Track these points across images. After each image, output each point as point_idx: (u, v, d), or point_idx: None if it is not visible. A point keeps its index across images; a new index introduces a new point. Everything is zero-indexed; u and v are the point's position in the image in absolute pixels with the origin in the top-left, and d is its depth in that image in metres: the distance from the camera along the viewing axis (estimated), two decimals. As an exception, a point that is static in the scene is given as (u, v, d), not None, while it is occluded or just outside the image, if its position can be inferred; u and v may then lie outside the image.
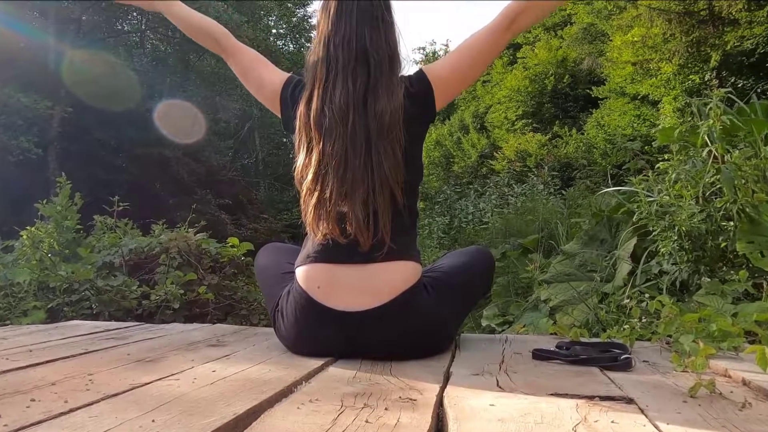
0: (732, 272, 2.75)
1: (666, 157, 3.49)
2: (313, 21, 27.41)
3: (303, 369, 1.68)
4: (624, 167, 8.31)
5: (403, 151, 1.88)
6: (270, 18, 28.85)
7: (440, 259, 2.37)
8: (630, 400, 1.35)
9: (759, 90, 8.93)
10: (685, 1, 10.56)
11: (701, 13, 10.77)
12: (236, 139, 27.78)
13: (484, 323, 4.59)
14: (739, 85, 10.60)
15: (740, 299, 2.65)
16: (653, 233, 3.27)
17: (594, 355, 1.85)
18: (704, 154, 3.21)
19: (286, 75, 2.14)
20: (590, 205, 6.07)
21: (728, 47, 10.65)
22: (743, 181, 2.97)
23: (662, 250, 3.18)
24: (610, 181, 6.08)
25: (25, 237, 4.33)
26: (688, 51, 11.49)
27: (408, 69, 2.04)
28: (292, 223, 23.10)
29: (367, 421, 1.15)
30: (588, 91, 18.36)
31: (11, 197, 13.26)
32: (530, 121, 20.65)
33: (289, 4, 28.99)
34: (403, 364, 1.79)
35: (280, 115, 2.12)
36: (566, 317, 3.56)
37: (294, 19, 29.30)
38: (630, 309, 2.44)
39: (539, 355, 1.92)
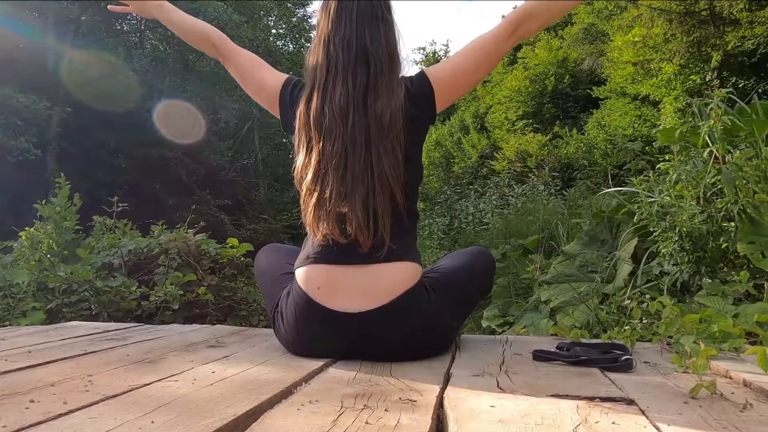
0: (733, 273, 2.74)
1: (667, 158, 3.49)
2: (313, 21, 27.51)
3: (303, 370, 1.68)
4: (625, 168, 8.30)
5: (403, 152, 1.88)
6: (269, 18, 28.88)
7: (440, 259, 2.37)
8: (631, 401, 1.34)
9: (760, 90, 8.93)
10: (685, 1, 10.55)
11: (702, 13, 10.76)
12: (236, 139, 27.77)
13: (484, 324, 4.58)
14: (740, 86, 10.60)
15: (741, 300, 2.65)
16: (654, 234, 3.27)
17: (594, 356, 1.85)
18: (705, 154, 3.20)
19: (284, 76, 2.14)
20: (591, 205, 6.06)
21: (729, 47, 10.64)
22: (744, 181, 2.97)
23: (663, 250, 3.18)
24: (610, 182, 6.08)
25: (24, 238, 4.33)
26: (688, 51, 11.48)
27: (408, 69, 2.05)
28: (292, 223, 23.13)
29: (367, 423, 1.15)
30: (588, 91, 18.35)
31: (10, 198, 13.28)
32: (531, 121, 20.65)
33: (288, 4, 29.02)
34: (404, 365, 1.79)
35: (279, 117, 2.11)
36: (567, 318, 3.55)
37: (294, 19, 29.33)
38: (631, 310, 2.44)
39: (540, 356, 1.92)
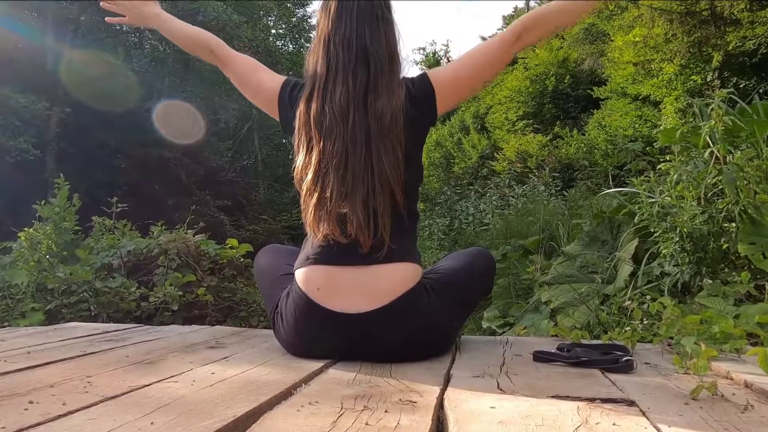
0: (734, 274, 2.74)
1: (667, 158, 3.49)
2: (313, 21, 27.51)
3: (302, 371, 1.68)
4: (625, 168, 8.30)
5: (403, 152, 1.88)
6: (269, 18, 28.87)
7: (441, 260, 2.37)
8: (631, 403, 1.34)
9: (761, 90, 8.89)
10: (686, 1, 10.54)
11: (703, 13, 10.74)
12: (235, 139, 27.75)
13: (484, 325, 4.58)
14: (741, 86, 10.57)
15: (742, 301, 2.64)
16: (655, 234, 3.26)
17: (595, 357, 1.85)
18: (706, 155, 3.20)
19: (283, 78, 2.15)
20: (591, 206, 6.05)
21: (730, 47, 10.62)
22: (745, 182, 2.96)
23: (664, 251, 3.18)
24: (611, 182, 6.08)
25: (23, 238, 4.32)
26: (689, 51, 11.46)
27: (408, 69, 2.05)
28: (292, 224, 23.11)
29: (367, 424, 1.15)
30: (589, 91, 18.31)
31: (9, 198, 13.26)
32: (531, 121, 20.61)
33: (288, 4, 29.01)
34: (404, 366, 1.79)
35: (278, 118, 2.11)
36: (567, 319, 3.55)
37: (293, 19, 29.31)
38: (631, 311, 2.44)
39: (540, 357, 1.91)
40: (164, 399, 1.32)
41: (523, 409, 1.28)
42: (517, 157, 18.15)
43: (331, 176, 1.85)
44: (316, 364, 1.79)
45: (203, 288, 4.18)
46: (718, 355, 1.77)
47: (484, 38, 32.63)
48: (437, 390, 1.46)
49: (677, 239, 3.08)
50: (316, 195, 1.86)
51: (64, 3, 18.77)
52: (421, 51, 39.88)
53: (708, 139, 3.18)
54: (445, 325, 2.05)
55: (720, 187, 3.06)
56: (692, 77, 12.13)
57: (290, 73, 2.20)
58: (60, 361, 1.84)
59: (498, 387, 1.51)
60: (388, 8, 2.05)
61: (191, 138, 20.20)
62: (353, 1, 1.98)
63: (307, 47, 2.10)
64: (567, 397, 1.38)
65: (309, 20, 29.21)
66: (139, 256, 4.57)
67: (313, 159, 1.88)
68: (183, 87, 21.94)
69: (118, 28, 22.41)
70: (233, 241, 4.92)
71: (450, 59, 37.13)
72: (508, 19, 32.04)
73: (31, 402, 1.28)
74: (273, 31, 29.27)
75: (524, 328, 3.82)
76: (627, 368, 1.74)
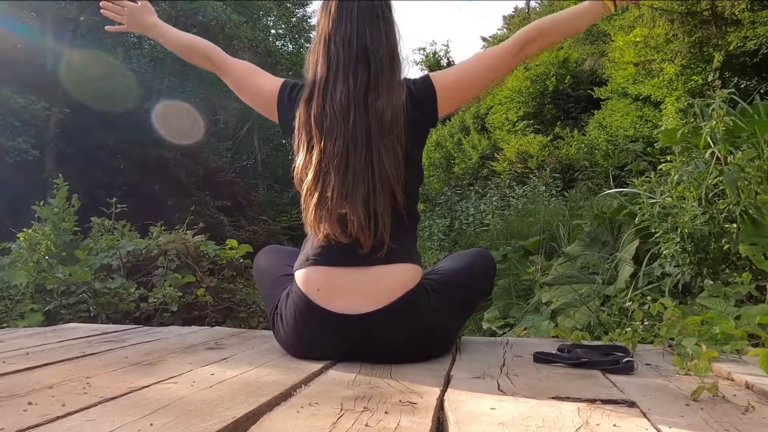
0: (735, 275, 2.73)
1: (668, 159, 3.48)
2: (313, 21, 27.56)
3: (302, 372, 1.67)
4: (626, 169, 8.28)
5: (403, 151, 1.88)
6: (269, 18, 28.91)
7: (441, 261, 2.38)
8: (632, 404, 1.34)
9: (762, 91, 8.88)
10: (687, 1, 10.52)
11: (704, 13, 10.72)
12: (235, 140, 27.77)
13: (485, 326, 4.58)
14: (742, 86, 10.57)
15: (743, 302, 2.64)
16: (655, 235, 3.26)
17: (596, 358, 1.84)
18: (707, 155, 3.20)
19: (281, 80, 2.15)
20: (592, 206, 6.04)
21: (731, 48, 10.61)
22: (746, 182, 2.96)
23: (664, 252, 3.17)
24: (612, 183, 6.08)
25: (22, 239, 4.32)
26: (690, 51, 11.45)
27: (408, 69, 2.06)
28: (292, 224, 23.12)
29: (367, 425, 1.15)
30: (590, 91, 18.32)
31: (8, 199, 13.28)
32: (531, 122, 20.64)
33: (288, 4, 29.04)
34: (404, 367, 1.78)
35: (277, 120, 2.12)
36: (568, 320, 3.55)
37: (293, 19, 29.35)
38: (632, 312, 2.43)
39: (541, 358, 1.91)
40: (163, 400, 1.32)
41: (524, 410, 1.28)
42: (518, 157, 18.17)
43: (332, 176, 1.85)
44: (316, 365, 1.79)
45: (203, 289, 4.18)
46: (719, 356, 1.76)
47: (484, 38, 32.78)
48: (437, 391, 1.46)
49: (678, 240, 3.08)
50: (316, 195, 1.86)
51: (63, 3, 18.79)
52: (421, 51, 39.91)
53: (709, 139, 3.17)
54: (445, 325, 2.05)
55: (721, 187, 3.06)
56: (693, 77, 12.13)
57: (290, 73, 2.21)
58: (59, 362, 1.84)
59: (498, 388, 1.50)
60: (389, 8, 2.05)
61: (190, 138, 20.22)
62: (354, 1, 1.98)
63: (307, 47, 2.11)
64: (568, 398, 1.38)
65: (309, 20, 29.28)
66: (138, 256, 4.57)
67: (313, 158, 1.88)
68: (182, 87, 21.96)
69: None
70: (233, 242, 4.92)
71: (450, 59, 37.16)
72: (508, 19, 32.10)
73: (30, 403, 1.28)
74: (273, 31, 29.32)
75: (525, 329, 3.82)
76: (628, 369, 1.73)
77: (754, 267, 2.74)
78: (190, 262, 4.45)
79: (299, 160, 1.92)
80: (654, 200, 3.31)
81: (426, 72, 2.12)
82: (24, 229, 4.39)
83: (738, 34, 10.49)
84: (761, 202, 2.87)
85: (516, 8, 35.42)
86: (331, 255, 1.88)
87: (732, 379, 1.64)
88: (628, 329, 2.32)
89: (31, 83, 16.41)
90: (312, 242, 1.93)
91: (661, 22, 11.20)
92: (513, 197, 10.70)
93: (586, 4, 2.13)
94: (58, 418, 1.17)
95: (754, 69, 11.13)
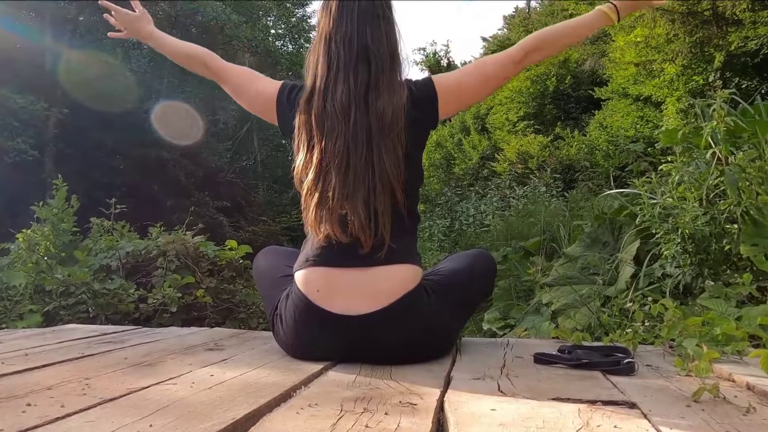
0: (736, 275, 2.73)
1: (669, 159, 3.48)
2: (312, 21, 27.57)
3: (302, 373, 1.67)
4: (627, 169, 8.27)
5: (403, 151, 1.88)
6: (269, 18, 28.91)
7: (441, 262, 2.37)
8: (633, 405, 1.33)
9: (763, 91, 8.87)
10: (688, 1, 10.52)
11: (705, 13, 10.72)
12: (234, 140, 27.76)
13: (485, 327, 4.57)
14: (743, 86, 10.56)
15: (744, 303, 2.64)
16: (656, 236, 3.26)
17: (596, 359, 1.84)
18: (708, 155, 3.19)
19: (279, 83, 2.16)
20: (593, 207, 6.04)
21: (732, 48, 10.60)
22: (747, 183, 2.96)
23: (665, 252, 3.17)
24: (612, 183, 6.08)
25: (21, 240, 4.32)
26: (691, 52, 11.45)
27: (408, 69, 2.06)
28: (291, 225, 23.12)
29: (367, 426, 1.14)
30: (590, 92, 18.31)
31: (7, 199, 13.28)
32: (532, 122, 20.63)
33: (288, 4, 29.04)
34: (404, 368, 1.78)
35: (277, 123, 2.12)
36: (568, 321, 3.55)
37: (293, 19, 29.34)
38: (633, 312, 2.43)
39: (541, 359, 1.91)
40: (163, 401, 1.31)
41: (524, 411, 1.28)
42: (518, 158, 18.16)
43: (332, 175, 1.85)
44: (316, 366, 1.79)
45: (202, 290, 4.18)
46: (720, 357, 1.76)
47: (484, 38, 32.75)
48: (437, 392, 1.45)
49: (679, 241, 3.07)
50: (317, 195, 1.86)
51: (62, 3, 18.79)
52: (422, 51, 39.83)
53: (710, 139, 3.17)
54: (446, 326, 2.04)
55: (722, 188, 3.05)
56: (694, 78, 12.12)
57: (290, 73, 2.21)
58: (58, 363, 1.83)
59: (499, 389, 1.50)
60: (389, 7, 2.05)
61: (190, 139, 20.23)
62: (354, 1, 1.98)
63: (307, 47, 2.11)
64: (568, 400, 1.38)
65: (308, 20, 29.28)
66: (137, 257, 4.57)
67: (314, 158, 1.88)
68: (182, 87, 21.95)
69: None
70: (232, 243, 4.92)
71: (450, 59, 37.12)
72: (508, 20, 32.08)
73: (29, 404, 1.28)
74: (272, 31, 29.30)
75: (525, 330, 3.82)
76: (628, 370, 1.73)
77: (755, 268, 2.74)
78: (189, 262, 4.45)
79: (299, 159, 1.92)
80: (655, 201, 3.31)
81: (426, 72, 2.12)
82: (23, 230, 4.39)
83: (739, 34, 10.48)
84: (762, 203, 2.87)
85: (516, 8, 35.39)
86: (331, 256, 1.88)
87: (733, 380, 1.64)
88: (629, 330, 2.31)
89: (30, 83, 16.42)
90: (312, 243, 1.93)
91: (662, 22, 11.20)
92: (513, 198, 10.70)
93: (590, 15, 2.13)
94: (57, 419, 1.17)
95: (755, 69, 11.13)
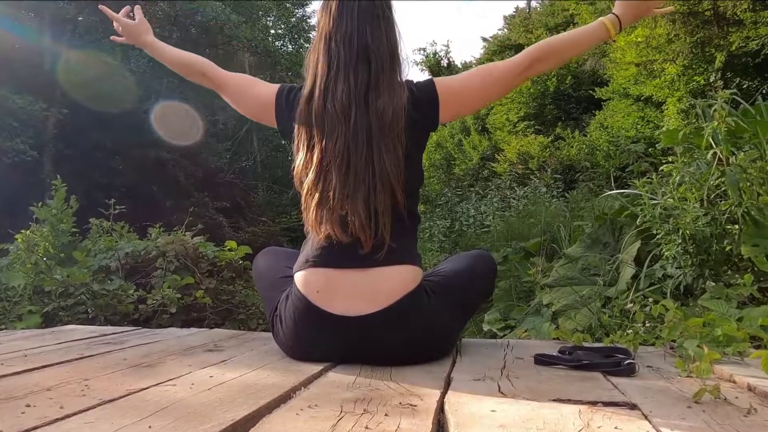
0: (737, 276, 2.72)
1: (670, 160, 3.47)
2: (312, 21, 27.57)
3: (302, 374, 1.67)
4: (627, 170, 8.28)
5: (404, 151, 1.88)
6: (268, 18, 28.93)
7: (441, 263, 2.37)
8: (633, 406, 1.33)
9: (764, 91, 8.88)
10: (689, 1, 10.52)
11: (706, 13, 10.72)
12: (234, 141, 27.75)
13: (485, 328, 4.57)
14: (744, 87, 10.57)
15: (745, 303, 2.63)
16: (657, 236, 3.25)
17: (597, 360, 1.84)
18: (709, 156, 3.19)
19: (276, 86, 2.16)
20: (593, 208, 6.04)
21: (733, 48, 10.61)
22: (748, 183, 2.95)
23: (666, 253, 3.17)
24: (613, 184, 6.08)
25: (20, 240, 4.32)
26: (692, 52, 11.45)
27: (408, 69, 2.05)
28: (291, 226, 23.13)
29: (366, 427, 1.14)
30: (591, 92, 18.34)
31: (6, 200, 13.25)
32: (532, 122, 20.66)
33: (287, 4, 29.05)
34: (404, 370, 1.78)
35: (276, 125, 2.12)
36: (569, 322, 3.55)
37: (293, 19, 29.35)
38: (633, 313, 2.43)
39: (542, 360, 1.91)
40: (162, 402, 1.31)
41: (525, 412, 1.27)
42: (519, 158, 18.18)
43: (333, 175, 1.84)
44: (316, 367, 1.78)
45: (201, 290, 4.17)
46: (720, 358, 1.76)
47: (484, 38, 32.73)
48: (438, 393, 1.45)
49: (680, 241, 3.07)
50: (317, 195, 1.86)
51: (61, 3, 18.80)
52: (422, 51, 39.79)
53: (711, 140, 3.16)
54: (446, 327, 2.04)
55: (723, 188, 3.05)
56: (695, 78, 12.13)
57: (289, 73, 2.21)
58: (57, 364, 1.83)
59: (499, 390, 1.50)
60: (389, 7, 2.05)
61: (189, 139, 20.23)
62: (354, 0, 1.98)
63: (307, 47, 2.11)
64: (569, 401, 1.38)
65: (308, 20, 29.29)
66: (136, 258, 4.57)
67: (314, 158, 1.88)
68: (181, 88, 21.90)
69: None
70: (232, 243, 4.91)
71: (450, 59, 37.08)
72: (508, 20, 32.05)
73: (28, 405, 1.28)
74: (272, 31, 29.32)
75: (525, 331, 3.81)
76: (629, 371, 1.73)
77: (756, 268, 2.74)
78: (188, 263, 4.44)
79: (299, 159, 1.92)
80: (655, 201, 3.30)
81: (427, 72, 2.12)
82: (22, 231, 4.39)
83: (740, 35, 10.49)
84: (763, 204, 2.87)
85: (517, 8, 35.32)
86: (331, 256, 1.88)
87: (734, 382, 1.63)
88: (630, 331, 2.31)
89: (29, 84, 16.43)
90: (312, 243, 1.93)
91: (663, 23, 11.20)
92: (514, 198, 10.70)
93: (591, 26, 2.13)
94: (56, 420, 1.17)
95: (756, 69, 11.14)
